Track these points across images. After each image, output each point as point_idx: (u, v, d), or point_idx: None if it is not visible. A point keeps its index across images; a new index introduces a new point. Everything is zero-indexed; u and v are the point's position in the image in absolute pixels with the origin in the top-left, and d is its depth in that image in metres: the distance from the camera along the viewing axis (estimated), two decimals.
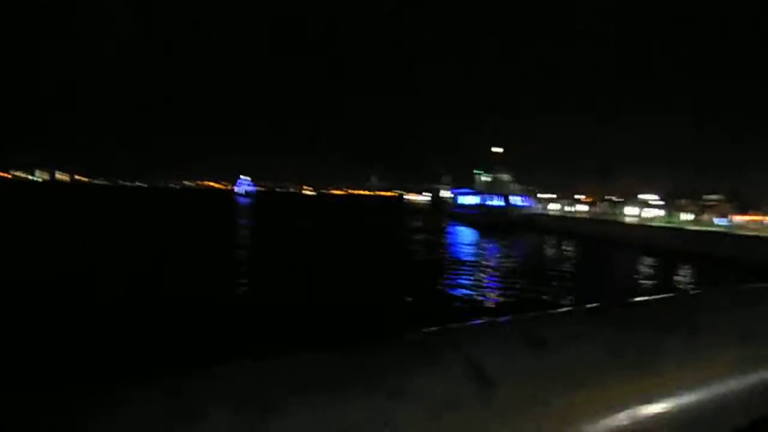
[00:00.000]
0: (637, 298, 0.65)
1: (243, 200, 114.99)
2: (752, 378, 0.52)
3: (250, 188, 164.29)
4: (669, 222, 32.11)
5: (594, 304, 0.61)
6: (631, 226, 34.21)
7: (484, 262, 23.00)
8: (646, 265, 23.57)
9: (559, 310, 0.60)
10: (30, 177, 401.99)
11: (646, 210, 37.57)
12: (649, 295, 0.62)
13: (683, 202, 46.05)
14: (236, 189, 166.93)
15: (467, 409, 0.36)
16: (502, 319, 0.53)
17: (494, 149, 60.95)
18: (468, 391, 0.38)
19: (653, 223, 32.71)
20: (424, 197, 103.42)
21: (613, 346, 0.49)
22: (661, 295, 0.68)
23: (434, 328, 0.47)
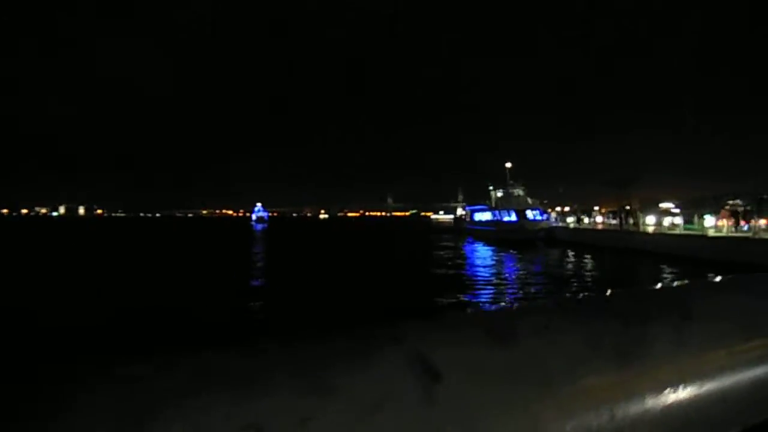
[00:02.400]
0: (622, 289, 0.57)
1: (258, 226, 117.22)
2: (754, 376, 0.47)
3: (264, 214, 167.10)
4: (689, 229, 31.20)
5: (570, 295, 0.55)
6: (651, 235, 33.36)
7: (502, 278, 22.56)
8: (667, 273, 22.85)
9: (531, 303, 0.53)
10: (52, 213, 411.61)
11: (666, 218, 36.53)
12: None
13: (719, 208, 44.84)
14: (253, 216, 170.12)
15: (408, 407, 0.32)
16: (462, 312, 0.47)
17: (507, 164, 60.58)
18: (409, 388, 0.33)
19: (674, 231, 31.86)
20: (448, 216, 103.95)
21: (590, 339, 0.44)
22: (651, 286, 0.60)
23: (379, 321, 0.41)
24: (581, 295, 0.53)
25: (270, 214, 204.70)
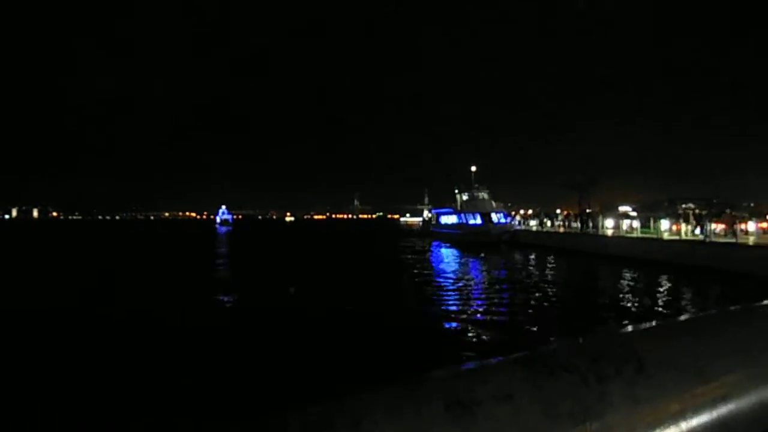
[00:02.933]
0: (573, 339, 0.57)
1: (222, 229, 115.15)
2: (708, 421, 0.48)
3: (228, 217, 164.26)
4: (646, 233, 32.25)
5: (525, 353, 0.54)
6: (610, 238, 34.32)
7: (466, 280, 22.81)
8: (625, 276, 23.53)
9: (489, 361, 0.52)
10: (5, 216, 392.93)
11: (624, 221, 37.68)
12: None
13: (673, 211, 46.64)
14: (217, 219, 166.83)
15: None
16: (422, 377, 0.45)
17: (472, 168, 61.33)
18: None
19: (632, 235, 32.86)
20: (416, 219, 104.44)
21: (547, 405, 0.43)
22: (603, 330, 0.60)
23: (333, 397, 0.39)
24: (540, 349, 0.53)
25: (234, 216, 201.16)
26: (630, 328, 0.63)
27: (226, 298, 18.85)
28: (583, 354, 0.53)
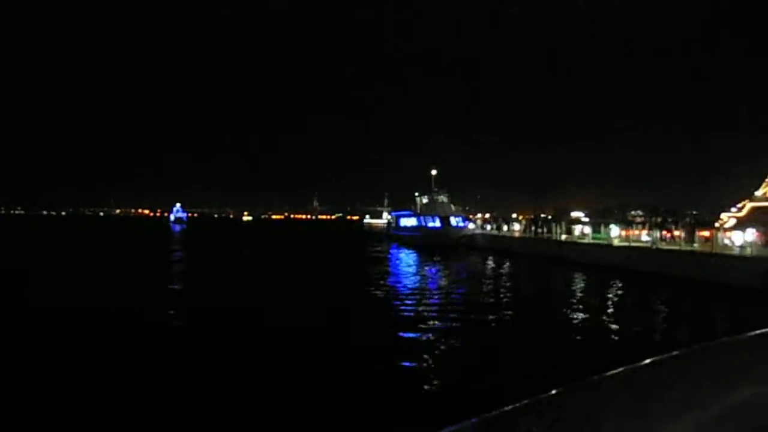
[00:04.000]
0: (533, 399, 0.56)
1: (176, 227, 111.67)
2: None
3: (182, 215, 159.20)
4: (597, 238, 33.29)
5: (483, 417, 0.53)
6: (564, 243, 35.28)
7: (425, 283, 22.95)
8: (577, 280, 24.24)
9: (447, 429, 0.52)
10: None
11: (577, 227, 38.82)
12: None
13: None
14: (171, 216, 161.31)
15: None
16: None
17: (432, 171, 61.86)
18: None
19: (584, 240, 33.86)
20: (378, 220, 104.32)
21: None
22: (564, 388, 0.59)
23: None
24: (499, 414, 0.53)
25: (189, 215, 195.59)
26: (594, 378, 0.61)
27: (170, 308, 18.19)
28: (542, 418, 0.52)
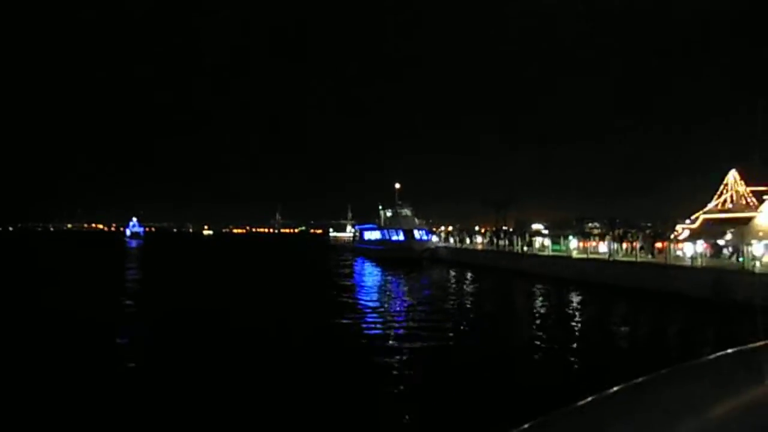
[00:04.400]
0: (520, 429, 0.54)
1: (132, 242, 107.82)
2: None
3: (139, 229, 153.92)
4: (556, 250, 33.92)
5: None
6: (524, 255, 35.81)
7: (389, 296, 22.78)
8: (537, 293, 24.50)
9: None
10: None
11: (537, 239, 39.53)
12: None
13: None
14: (127, 231, 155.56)
15: None
16: None
17: (396, 185, 61.92)
18: None
19: (544, 253, 34.43)
20: (342, 234, 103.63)
21: None
22: (545, 419, 0.58)
23: None
24: None
25: (147, 229, 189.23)
26: (580, 403, 0.60)
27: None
28: None
